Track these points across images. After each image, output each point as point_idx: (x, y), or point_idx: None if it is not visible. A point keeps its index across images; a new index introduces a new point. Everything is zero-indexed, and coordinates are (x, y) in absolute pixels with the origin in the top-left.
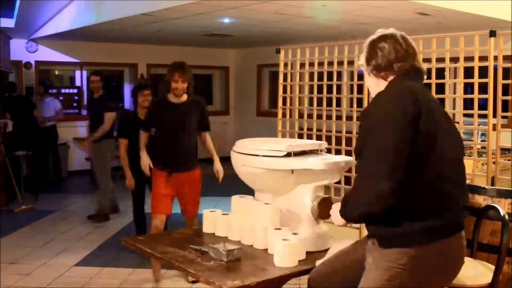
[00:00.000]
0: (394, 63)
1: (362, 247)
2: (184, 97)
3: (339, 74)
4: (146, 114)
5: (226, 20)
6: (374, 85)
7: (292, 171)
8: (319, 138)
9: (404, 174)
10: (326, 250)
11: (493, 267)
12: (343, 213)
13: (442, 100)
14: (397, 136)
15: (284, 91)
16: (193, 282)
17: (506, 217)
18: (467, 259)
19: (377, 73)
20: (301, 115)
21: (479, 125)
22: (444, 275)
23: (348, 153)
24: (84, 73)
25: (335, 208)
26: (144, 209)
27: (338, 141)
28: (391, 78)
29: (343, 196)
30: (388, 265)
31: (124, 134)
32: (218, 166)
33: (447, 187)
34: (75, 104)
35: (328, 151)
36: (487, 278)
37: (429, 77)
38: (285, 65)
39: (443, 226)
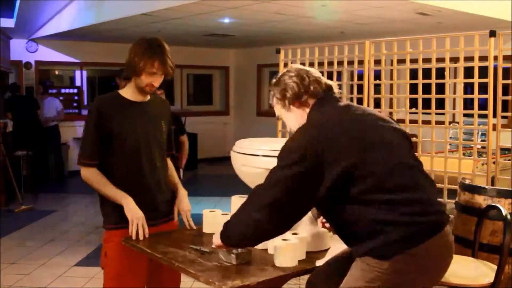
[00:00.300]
0: (309, 85)
1: None
2: (148, 95)
3: (339, 74)
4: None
5: (226, 20)
6: (295, 119)
7: None
8: None
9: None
10: (326, 250)
11: (495, 267)
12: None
13: (442, 100)
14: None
15: None
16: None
17: (508, 217)
18: (469, 259)
19: (297, 103)
20: None
21: (479, 125)
22: (427, 276)
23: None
24: (84, 73)
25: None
26: None
27: None
28: (311, 103)
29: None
30: (369, 268)
31: None
32: (185, 203)
33: (402, 196)
34: (75, 104)
35: None
36: (489, 278)
37: (429, 77)
38: (285, 65)
39: (419, 231)
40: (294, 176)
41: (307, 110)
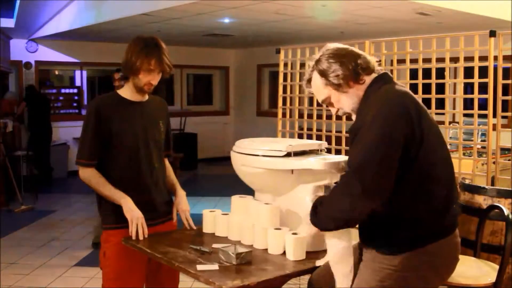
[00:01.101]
0: (362, 62)
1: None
2: (146, 95)
3: None
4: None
5: (226, 20)
6: (350, 99)
7: (292, 171)
8: (319, 138)
9: (389, 192)
10: (326, 250)
11: (497, 266)
12: (313, 220)
13: (442, 100)
14: (388, 159)
15: (284, 91)
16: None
17: (510, 216)
18: (471, 259)
19: (352, 82)
20: (301, 115)
21: (479, 125)
22: (437, 275)
23: (348, 153)
24: (84, 73)
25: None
26: None
27: (338, 141)
28: (368, 81)
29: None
30: (379, 266)
31: None
32: (184, 203)
33: (438, 189)
34: (75, 104)
35: (328, 151)
36: (491, 277)
37: (429, 77)
38: (285, 65)
39: (437, 230)
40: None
41: (363, 86)
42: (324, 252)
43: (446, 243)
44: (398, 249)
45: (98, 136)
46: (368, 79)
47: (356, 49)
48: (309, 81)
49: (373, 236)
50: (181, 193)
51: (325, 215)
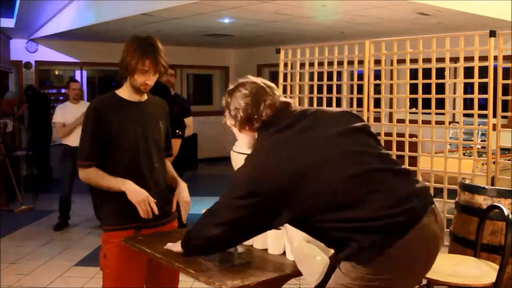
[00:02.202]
0: (258, 111)
1: None
2: (145, 95)
3: (339, 74)
4: (83, 133)
5: (226, 20)
6: (248, 140)
7: None
8: None
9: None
10: None
11: (497, 266)
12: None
13: (442, 100)
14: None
15: (284, 91)
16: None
17: (510, 216)
18: (471, 259)
19: (246, 127)
20: None
21: (479, 125)
22: (411, 273)
23: None
24: (84, 73)
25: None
26: None
27: None
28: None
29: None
30: (352, 269)
31: None
32: (184, 194)
33: (363, 207)
34: None
35: None
36: (491, 277)
37: (429, 77)
38: (285, 65)
39: (388, 233)
40: (246, 207)
41: (256, 134)
42: None
43: (410, 239)
44: (359, 262)
45: (97, 137)
46: (259, 126)
47: (265, 93)
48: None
49: (334, 250)
50: (182, 184)
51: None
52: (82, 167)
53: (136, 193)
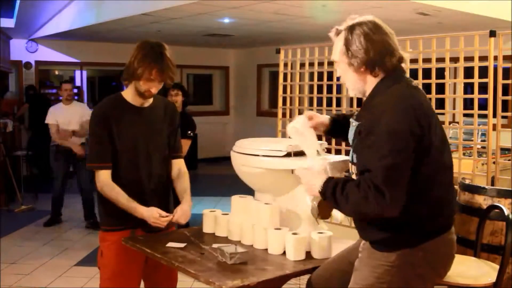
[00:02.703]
0: (386, 56)
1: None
2: (151, 99)
3: None
4: (93, 137)
5: (226, 20)
6: (355, 81)
7: (292, 171)
8: (319, 138)
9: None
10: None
11: (497, 266)
12: (329, 196)
13: (442, 100)
14: (405, 160)
15: (284, 91)
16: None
17: (510, 216)
18: (471, 259)
19: (366, 69)
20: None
21: (479, 125)
22: (433, 271)
23: (348, 153)
24: (84, 73)
25: (312, 177)
26: None
27: (338, 141)
28: (380, 75)
29: (343, 182)
30: (377, 263)
31: None
32: (185, 206)
33: (438, 192)
34: None
35: (328, 151)
36: (491, 277)
37: (429, 77)
38: (285, 65)
39: (432, 229)
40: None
41: (374, 79)
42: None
43: (441, 240)
44: (394, 246)
45: (104, 139)
46: (381, 74)
47: (393, 41)
48: (336, 33)
49: (370, 233)
50: (185, 207)
51: (350, 210)
52: (96, 169)
53: (146, 215)
